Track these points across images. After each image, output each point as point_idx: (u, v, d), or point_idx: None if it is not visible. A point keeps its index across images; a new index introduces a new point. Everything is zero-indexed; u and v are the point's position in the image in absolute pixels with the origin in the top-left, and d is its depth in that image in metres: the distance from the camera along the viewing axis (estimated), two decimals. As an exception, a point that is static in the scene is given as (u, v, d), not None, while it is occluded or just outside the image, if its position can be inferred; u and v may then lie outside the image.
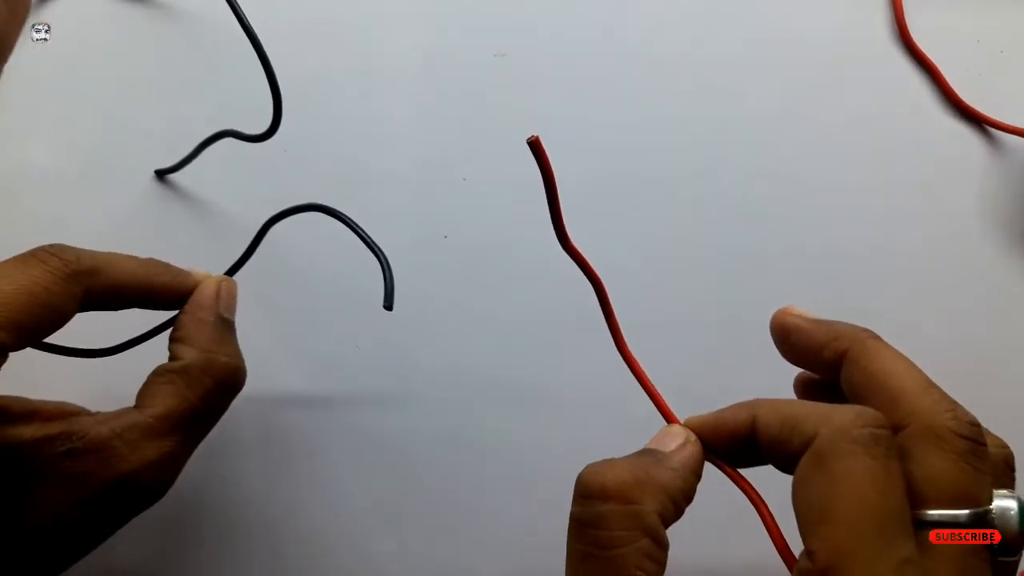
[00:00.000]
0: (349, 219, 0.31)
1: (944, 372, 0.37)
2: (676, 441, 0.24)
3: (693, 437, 0.25)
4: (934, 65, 0.42)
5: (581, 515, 0.23)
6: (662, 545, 0.22)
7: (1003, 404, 0.37)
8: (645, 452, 0.25)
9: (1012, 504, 0.21)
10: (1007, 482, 0.23)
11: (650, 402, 0.27)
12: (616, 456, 0.24)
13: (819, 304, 0.38)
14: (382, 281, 0.29)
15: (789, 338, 0.26)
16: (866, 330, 0.25)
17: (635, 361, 0.27)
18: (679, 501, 0.23)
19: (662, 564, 0.22)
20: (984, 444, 0.21)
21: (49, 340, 0.30)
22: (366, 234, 0.31)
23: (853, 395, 0.24)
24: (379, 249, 0.30)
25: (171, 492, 0.27)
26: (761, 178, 0.40)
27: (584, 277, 0.27)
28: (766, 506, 0.23)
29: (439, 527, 0.34)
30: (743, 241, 0.39)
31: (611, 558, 0.21)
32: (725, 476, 0.25)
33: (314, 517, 0.34)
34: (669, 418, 0.27)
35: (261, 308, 0.36)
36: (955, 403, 0.22)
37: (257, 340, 0.35)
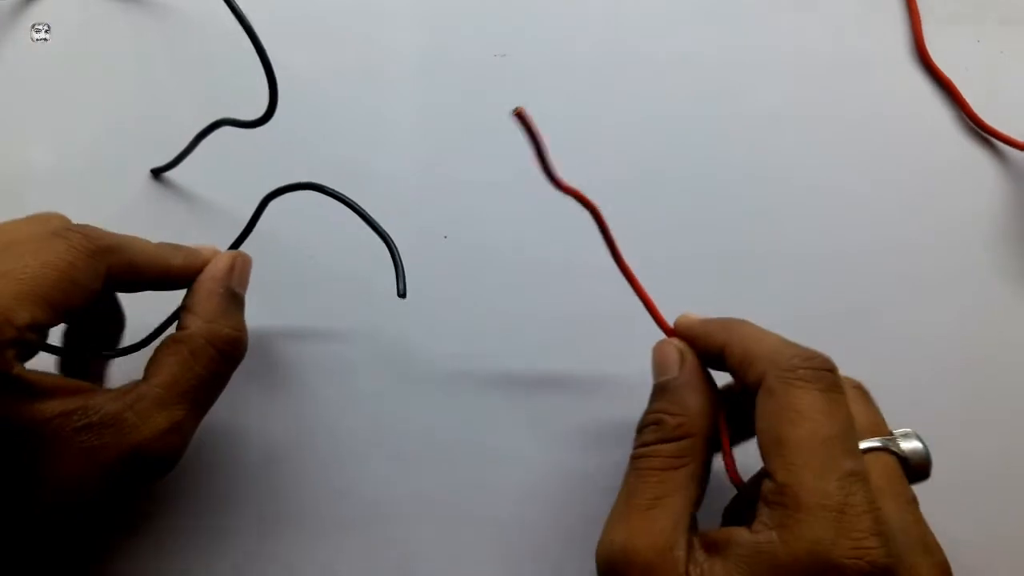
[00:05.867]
0: (352, 201, 0.31)
1: (950, 379, 0.37)
2: (674, 360, 0.28)
3: (683, 347, 0.29)
4: (948, 79, 0.42)
5: (640, 453, 0.27)
6: (705, 472, 0.26)
7: (1001, 405, 0.37)
8: (662, 388, 0.28)
9: (915, 439, 0.26)
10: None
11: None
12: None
13: (827, 310, 0.38)
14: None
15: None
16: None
17: (630, 271, 0.31)
18: (709, 412, 0.27)
19: (703, 490, 0.26)
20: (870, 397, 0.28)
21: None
22: (371, 217, 0.30)
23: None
24: (386, 233, 0.30)
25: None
26: (767, 182, 0.40)
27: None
28: (724, 419, 0.28)
29: (440, 527, 0.34)
30: (745, 243, 0.39)
31: (662, 476, 0.25)
32: None
33: (316, 516, 0.34)
34: (662, 325, 0.30)
35: (260, 300, 0.36)
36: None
37: (258, 333, 0.35)
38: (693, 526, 0.25)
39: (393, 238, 0.31)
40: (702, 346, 0.28)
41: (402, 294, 0.29)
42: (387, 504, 0.34)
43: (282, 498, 0.34)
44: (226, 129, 0.35)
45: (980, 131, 0.41)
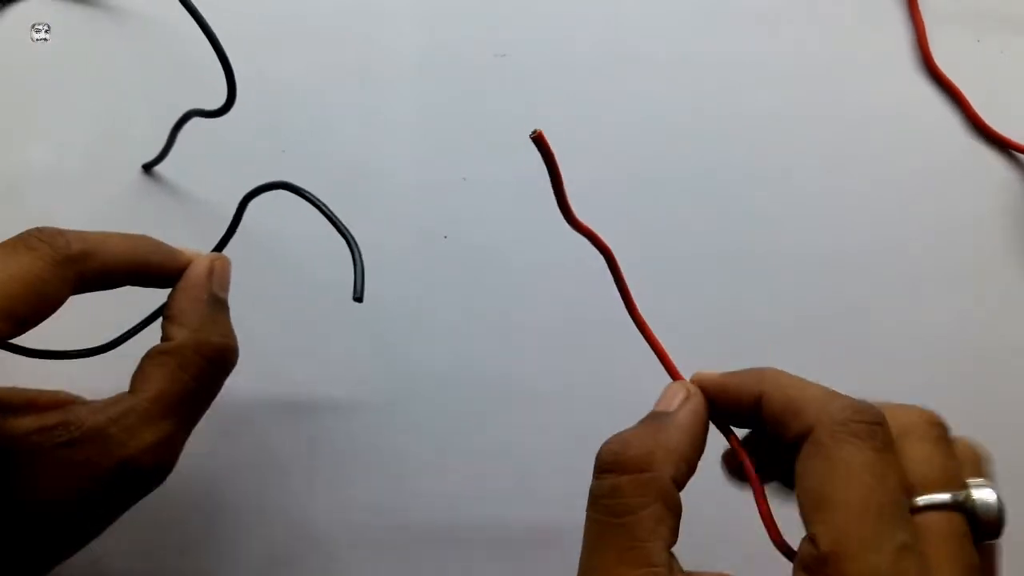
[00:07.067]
0: (319, 201, 0.30)
1: (951, 380, 0.37)
2: (679, 397, 0.26)
3: (694, 389, 0.26)
4: (949, 80, 0.42)
5: (598, 488, 0.24)
6: (675, 508, 0.23)
7: (1002, 407, 0.37)
8: (652, 416, 0.26)
9: (991, 493, 0.22)
10: (985, 476, 0.24)
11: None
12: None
13: (827, 310, 0.38)
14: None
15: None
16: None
17: (643, 320, 0.29)
18: (689, 457, 0.24)
19: (675, 528, 0.23)
20: (949, 433, 0.24)
21: (42, 345, 0.30)
22: (336, 217, 0.30)
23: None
24: (350, 234, 0.29)
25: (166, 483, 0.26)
26: (767, 182, 0.40)
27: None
28: (758, 478, 0.25)
29: (438, 528, 0.34)
30: (745, 243, 0.39)
31: (624, 524, 0.23)
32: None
33: (313, 518, 0.34)
34: (674, 374, 0.28)
35: (257, 303, 0.36)
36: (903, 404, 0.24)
37: (253, 336, 0.35)
38: (675, 570, 0.22)
39: (393, 238, 0.31)
40: (731, 397, 0.26)
41: (358, 298, 0.28)
42: (382, 505, 0.34)
43: (276, 500, 0.34)
44: (230, 129, 0.35)
45: (981, 132, 0.41)
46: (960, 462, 0.23)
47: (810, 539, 0.21)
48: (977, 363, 0.38)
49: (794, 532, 0.25)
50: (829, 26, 0.43)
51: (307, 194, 0.31)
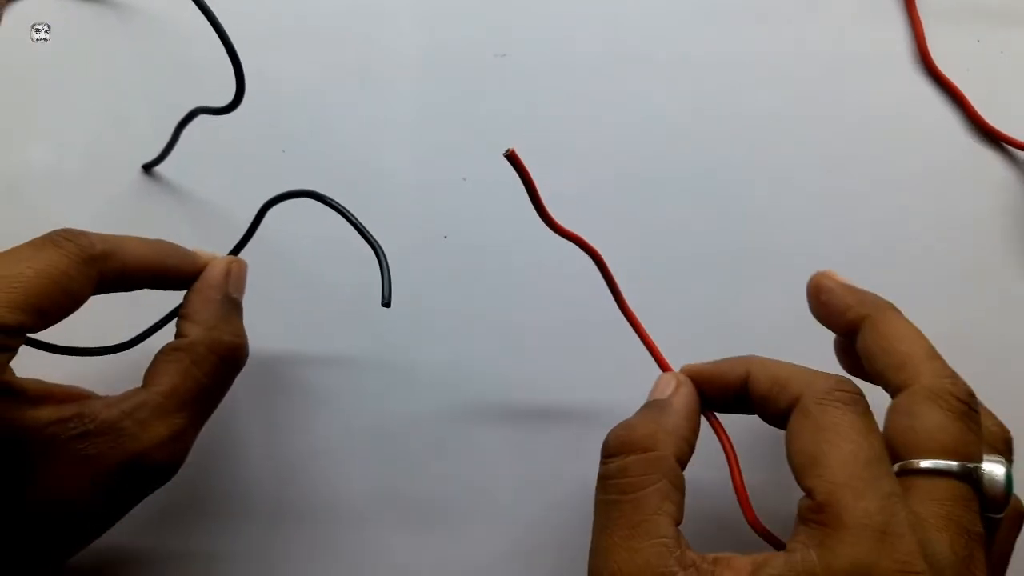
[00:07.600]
0: (345, 209, 0.31)
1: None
2: (671, 386, 0.28)
3: (684, 378, 0.28)
4: (949, 80, 0.42)
5: (606, 471, 0.26)
6: (679, 486, 0.25)
7: (1005, 409, 0.37)
8: (649, 405, 0.28)
9: (1000, 469, 0.24)
10: (1006, 459, 0.25)
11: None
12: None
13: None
14: (377, 278, 0.29)
15: (820, 297, 0.30)
16: (888, 302, 0.28)
17: (635, 316, 0.31)
18: (688, 438, 0.27)
19: (680, 504, 0.25)
20: (977, 412, 0.25)
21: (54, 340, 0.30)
22: (363, 226, 0.30)
23: (865, 356, 0.27)
24: (376, 242, 0.30)
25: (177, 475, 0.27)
26: (767, 182, 0.40)
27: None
28: (735, 455, 0.27)
29: (439, 529, 0.34)
30: (745, 243, 0.39)
31: (633, 500, 0.24)
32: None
33: (314, 519, 0.34)
34: (664, 367, 0.30)
35: (259, 304, 0.36)
36: (955, 373, 0.26)
37: (256, 337, 0.35)
38: (683, 544, 0.23)
39: (393, 238, 0.31)
40: (719, 383, 0.28)
41: (386, 303, 0.29)
42: (380, 507, 0.34)
43: (281, 497, 0.34)
44: (230, 129, 0.35)
45: (982, 132, 0.41)
46: (981, 438, 0.24)
47: (806, 493, 0.23)
48: (977, 363, 0.38)
49: (772, 524, 0.25)
50: (828, 26, 0.43)
51: (333, 203, 0.31)
